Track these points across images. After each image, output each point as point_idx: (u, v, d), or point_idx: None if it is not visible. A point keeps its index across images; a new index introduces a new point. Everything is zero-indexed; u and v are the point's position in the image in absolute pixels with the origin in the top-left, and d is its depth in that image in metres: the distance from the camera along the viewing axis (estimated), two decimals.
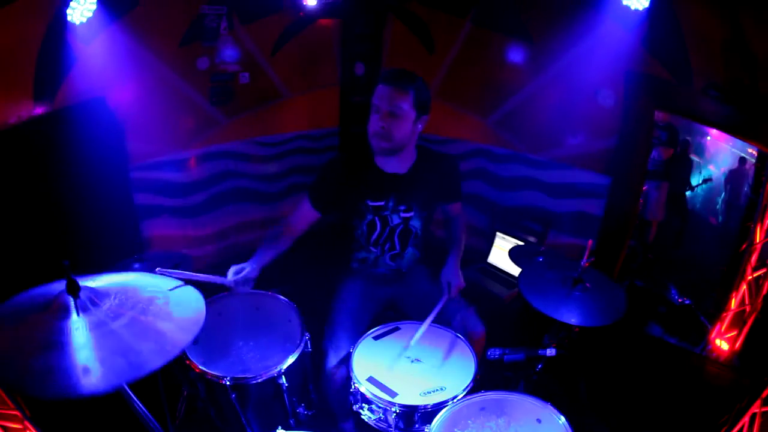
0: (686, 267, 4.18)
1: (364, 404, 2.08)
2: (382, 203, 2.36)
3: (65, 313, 1.22)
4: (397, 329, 2.36)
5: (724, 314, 3.06)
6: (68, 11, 2.86)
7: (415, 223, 2.42)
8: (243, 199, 4.48)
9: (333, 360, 2.33)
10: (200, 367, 2.15)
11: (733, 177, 4.01)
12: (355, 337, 2.32)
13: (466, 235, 2.59)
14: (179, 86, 3.77)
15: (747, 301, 2.93)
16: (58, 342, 1.15)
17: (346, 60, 4.65)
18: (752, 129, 2.76)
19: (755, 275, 2.89)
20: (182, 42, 3.65)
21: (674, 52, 2.91)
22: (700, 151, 4.30)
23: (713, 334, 3.15)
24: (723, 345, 3.08)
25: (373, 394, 2.01)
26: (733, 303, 3.00)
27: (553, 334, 2.30)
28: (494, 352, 2.08)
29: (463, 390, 1.98)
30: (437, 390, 2.02)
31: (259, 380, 2.13)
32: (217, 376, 2.12)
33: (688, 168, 4.22)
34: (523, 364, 2.13)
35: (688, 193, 4.42)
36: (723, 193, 4.18)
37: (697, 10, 2.80)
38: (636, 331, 3.55)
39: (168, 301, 1.41)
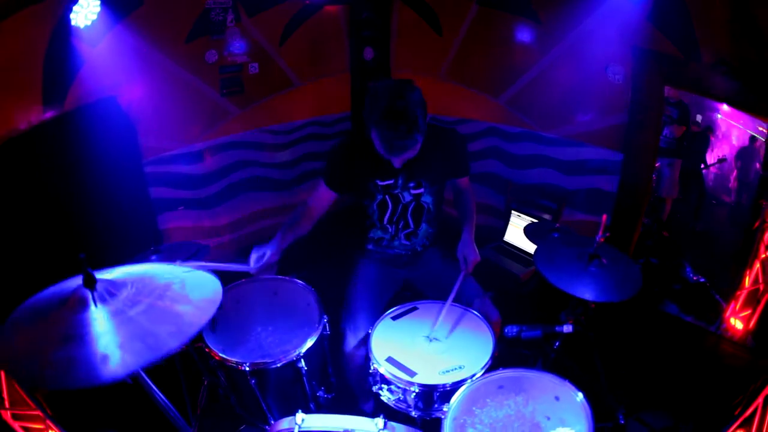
0: (701, 245, 4.10)
1: (383, 385, 2.07)
2: (392, 182, 2.32)
3: (83, 306, 1.21)
4: (415, 309, 2.34)
5: (738, 293, 2.98)
6: (72, 15, 2.83)
7: (427, 199, 2.39)
8: (257, 187, 4.48)
9: (352, 341, 2.32)
10: (219, 354, 2.16)
11: (744, 155, 3.90)
12: (373, 318, 2.30)
13: (475, 207, 2.55)
14: (189, 80, 3.75)
15: (761, 280, 2.85)
16: (76, 334, 1.14)
17: (354, 46, 4.58)
18: (761, 104, 2.67)
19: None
20: (189, 37, 3.62)
21: (680, 26, 2.81)
22: (712, 131, 4.19)
23: (728, 313, 3.08)
24: (737, 324, 3.01)
25: (392, 374, 1.99)
26: (747, 281, 2.93)
27: (570, 310, 2.25)
28: (511, 329, 2.05)
29: (482, 368, 1.96)
30: (455, 369, 2.00)
31: (279, 365, 2.12)
32: (237, 363, 2.12)
33: (705, 146, 4.11)
34: (540, 341, 2.10)
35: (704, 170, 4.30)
36: (735, 171, 4.08)
37: None
38: (651, 308, 3.49)
39: (184, 285, 1.40)
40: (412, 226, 2.45)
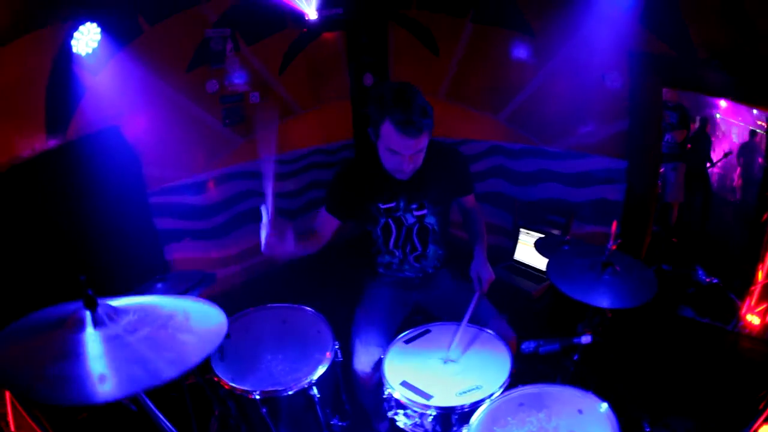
0: (711, 247, 4.03)
1: (399, 410, 1.98)
2: (393, 204, 2.27)
3: (81, 327, 1.20)
4: (428, 332, 2.26)
5: (753, 288, 2.94)
6: (73, 42, 2.85)
7: (431, 220, 2.33)
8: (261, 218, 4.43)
9: (364, 366, 2.24)
10: (229, 383, 2.08)
11: (746, 151, 3.88)
12: (385, 342, 2.23)
13: (485, 226, 2.48)
14: (191, 110, 3.77)
15: None
16: (72, 353, 1.13)
17: (353, 72, 4.61)
18: (758, 94, 2.66)
19: None
20: (190, 66, 3.65)
21: (673, 26, 2.83)
22: (712, 129, 4.17)
23: (743, 310, 3.04)
24: (754, 320, 2.97)
25: (408, 399, 1.91)
26: (760, 275, 2.91)
27: (587, 322, 2.18)
28: (529, 345, 1.97)
29: (500, 387, 1.88)
30: (473, 389, 1.91)
31: (290, 392, 2.05)
32: (246, 391, 2.04)
33: (707, 145, 4.09)
34: (559, 354, 2.03)
35: (710, 168, 4.27)
36: (738, 168, 4.04)
37: None
38: (668, 314, 3.42)
39: (189, 317, 1.38)
40: (419, 248, 2.39)
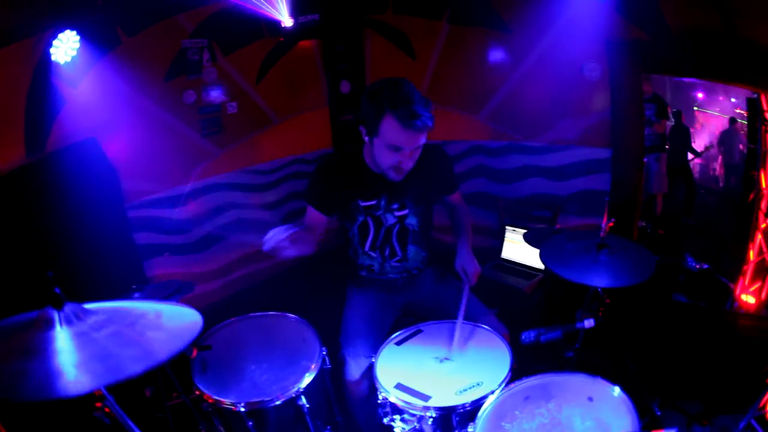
0: (698, 236, 4.02)
1: (395, 415, 1.85)
2: (374, 202, 2.16)
3: (47, 325, 1.17)
4: (419, 332, 2.15)
5: (745, 267, 2.94)
6: (52, 50, 2.80)
7: (412, 221, 2.22)
8: (244, 230, 4.30)
9: (354, 373, 2.11)
10: (212, 396, 1.93)
11: (726, 139, 3.90)
12: (375, 345, 2.11)
13: (470, 222, 2.40)
14: (169, 121, 3.67)
15: (765, 250, 2.82)
16: (34, 349, 1.11)
17: (330, 80, 4.54)
18: (735, 72, 2.65)
19: None
20: (167, 77, 3.58)
21: (648, 13, 2.82)
22: (690, 122, 4.19)
23: (737, 291, 3.01)
24: (749, 299, 2.95)
25: (404, 401, 1.78)
26: (752, 254, 2.91)
27: (585, 308, 2.08)
28: (529, 335, 1.85)
29: (503, 381, 1.77)
30: (473, 386, 1.79)
31: (277, 403, 1.90)
32: (231, 404, 1.89)
33: (687, 137, 4.11)
34: (561, 342, 1.90)
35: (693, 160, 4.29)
36: (720, 157, 4.06)
37: None
38: (663, 300, 3.36)
39: (161, 315, 1.33)
40: (399, 252, 2.28)
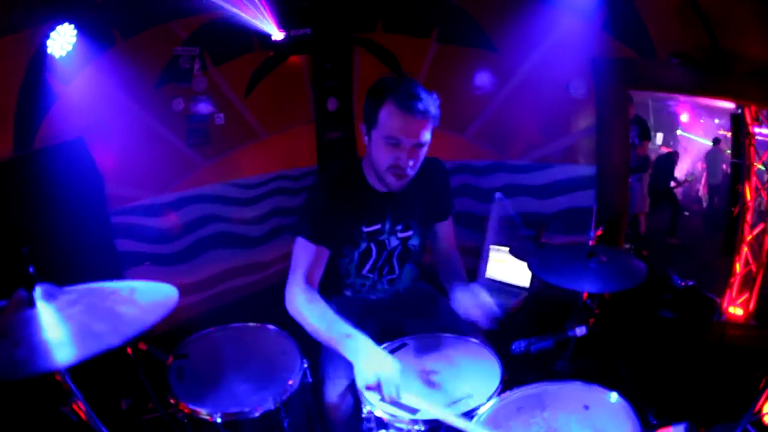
0: (682, 256, 4.04)
1: (380, 431, 1.72)
2: (378, 227, 1.97)
3: (19, 305, 1.14)
4: (404, 345, 2.02)
5: (732, 280, 2.94)
6: (49, 42, 2.76)
7: (415, 242, 2.08)
8: (226, 244, 4.19)
9: (332, 394, 1.96)
10: (188, 406, 1.79)
11: (710, 158, 3.97)
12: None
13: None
14: (156, 128, 3.61)
15: (751, 260, 2.83)
16: (7, 328, 1.08)
17: (317, 96, 4.52)
18: (719, 86, 2.71)
19: (754, 233, 2.77)
20: (158, 83, 3.54)
21: (633, 29, 2.87)
22: (675, 145, 4.29)
23: (725, 304, 3.01)
24: (737, 311, 2.95)
25: (391, 415, 1.66)
26: (738, 267, 2.92)
27: (574, 319, 2.01)
28: (519, 345, 1.77)
29: (494, 392, 1.67)
30: (463, 398, 1.69)
31: (256, 415, 1.77)
32: (207, 414, 1.76)
33: (673, 165, 4.18)
34: (552, 352, 1.83)
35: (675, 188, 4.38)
36: (703, 177, 4.14)
37: None
38: (651, 317, 3.33)
39: (134, 292, 1.32)
40: (396, 271, 2.14)
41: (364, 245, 1.99)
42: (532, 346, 1.76)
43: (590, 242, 1.93)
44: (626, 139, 3.11)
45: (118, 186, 3.39)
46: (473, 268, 3.71)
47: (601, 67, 3.07)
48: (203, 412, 1.77)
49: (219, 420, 1.75)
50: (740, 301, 2.89)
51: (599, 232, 1.94)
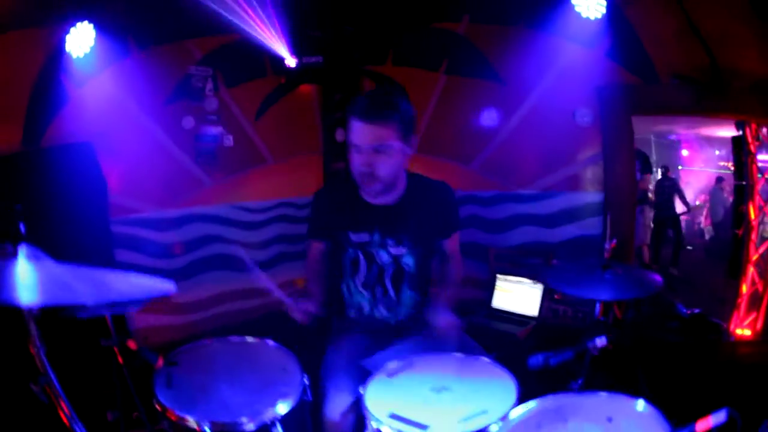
0: (684, 287, 3.94)
1: None
2: (367, 237, 1.98)
3: (6, 255, 1.15)
4: (410, 364, 1.87)
5: (739, 300, 2.88)
6: (68, 38, 2.82)
7: (409, 261, 2.02)
8: (226, 266, 4.06)
9: (335, 409, 1.83)
10: (175, 413, 1.64)
11: (713, 197, 3.97)
12: (359, 381, 1.82)
13: (461, 275, 2.18)
14: (164, 143, 3.61)
15: (758, 280, 2.80)
16: None
17: (326, 126, 4.54)
18: (719, 103, 2.73)
19: (760, 252, 2.79)
20: (169, 99, 3.57)
21: (635, 55, 2.94)
22: (677, 178, 4.31)
23: (732, 327, 2.94)
24: (745, 332, 2.88)
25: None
26: (744, 288, 2.86)
27: (592, 332, 1.89)
28: (537, 359, 1.67)
29: (511, 408, 1.54)
30: (478, 414, 1.54)
31: (248, 428, 1.61)
32: (195, 422, 1.61)
33: (675, 188, 4.17)
34: (568, 371, 1.71)
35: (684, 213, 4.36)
36: (705, 210, 4.12)
37: (645, 9, 2.90)
38: (659, 341, 3.21)
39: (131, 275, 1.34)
40: (392, 294, 2.06)
41: (351, 252, 2.00)
42: (551, 359, 1.65)
43: (605, 254, 1.87)
44: (633, 165, 3.10)
45: (121, 196, 3.35)
46: (480, 298, 3.61)
47: (606, 94, 3.11)
48: (191, 420, 1.61)
49: (207, 430, 1.58)
50: (747, 322, 2.82)
51: (613, 244, 1.86)
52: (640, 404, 1.38)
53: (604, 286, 1.79)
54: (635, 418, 1.37)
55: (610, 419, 1.40)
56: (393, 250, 1.98)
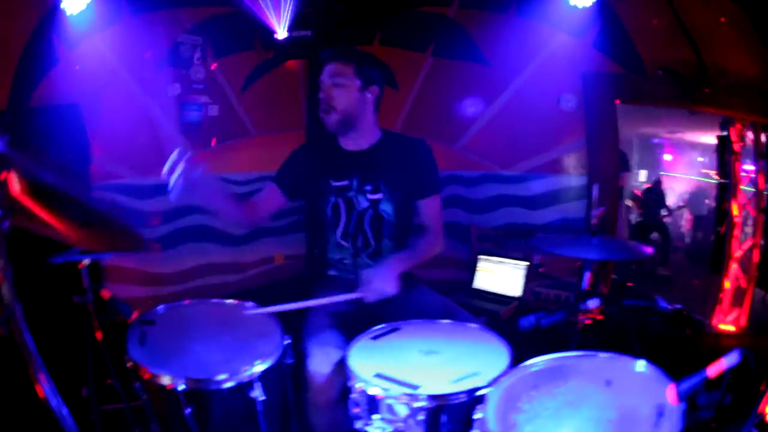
0: (667, 286, 3.97)
1: (373, 415, 1.50)
2: (346, 182, 2.06)
3: None
4: (396, 329, 1.84)
5: (721, 295, 2.90)
6: None
7: (387, 208, 2.04)
8: (207, 238, 3.96)
9: (322, 365, 1.76)
10: (149, 370, 1.58)
11: (695, 194, 4.03)
12: (345, 344, 1.78)
13: (435, 250, 2.10)
14: (150, 109, 3.49)
15: (741, 276, 2.79)
16: None
17: (310, 103, 4.43)
18: (704, 98, 2.74)
19: (743, 248, 2.72)
20: (158, 65, 3.48)
21: (622, 47, 2.96)
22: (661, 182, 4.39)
23: (714, 323, 2.96)
24: (729, 328, 2.89)
25: (388, 392, 1.46)
26: (727, 284, 2.83)
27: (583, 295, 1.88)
28: (528, 320, 1.62)
29: (505, 370, 1.51)
30: (470, 376, 1.50)
31: (224, 386, 1.56)
32: (169, 379, 1.55)
33: (661, 197, 4.21)
34: (560, 340, 1.74)
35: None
36: (687, 213, 4.18)
37: (634, 3, 2.92)
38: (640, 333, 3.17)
39: None
40: (372, 242, 2.06)
41: (332, 199, 2.07)
42: (542, 320, 1.61)
43: (593, 221, 1.84)
44: (616, 150, 3.09)
45: (102, 161, 3.23)
46: (461, 279, 3.58)
47: (591, 81, 3.12)
48: (165, 377, 1.55)
49: (182, 387, 1.52)
50: (731, 318, 2.81)
51: (602, 212, 1.86)
52: (641, 364, 1.35)
53: (593, 249, 1.80)
54: (642, 377, 1.33)
55: (608, 383, 1.34)
56: (371, 196, 2.04)
